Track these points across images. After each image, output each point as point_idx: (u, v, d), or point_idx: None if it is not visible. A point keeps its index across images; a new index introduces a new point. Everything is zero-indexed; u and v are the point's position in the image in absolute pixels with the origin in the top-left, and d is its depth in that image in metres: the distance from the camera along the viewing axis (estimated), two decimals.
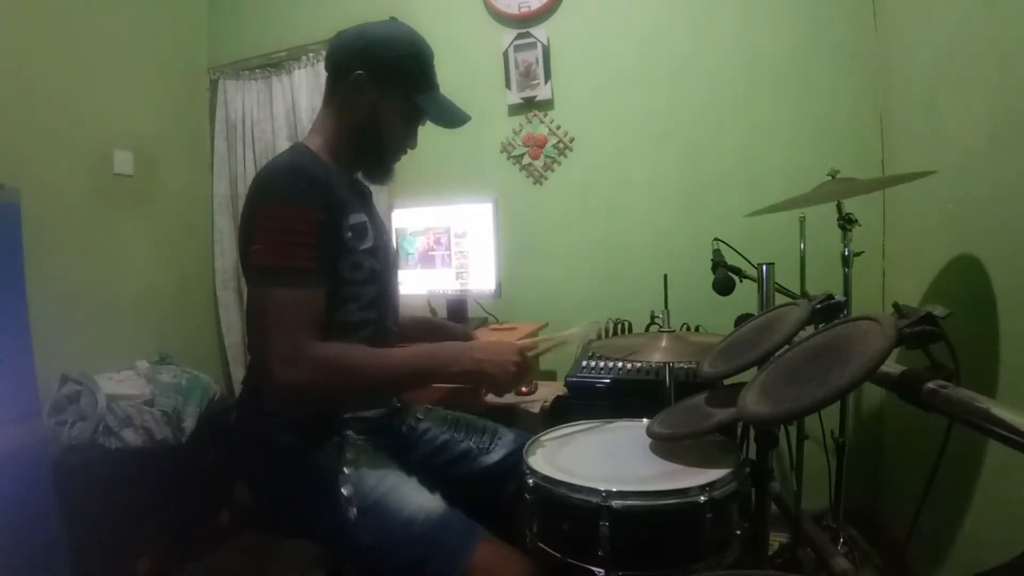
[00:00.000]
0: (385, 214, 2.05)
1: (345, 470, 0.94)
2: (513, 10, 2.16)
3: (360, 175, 1.14)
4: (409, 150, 1.13)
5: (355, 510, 0.91)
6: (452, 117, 1.08)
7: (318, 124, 1.09)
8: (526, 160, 2.21)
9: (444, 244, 2.01)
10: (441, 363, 0.97)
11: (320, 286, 0.94)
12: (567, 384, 1.56)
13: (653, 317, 1.82)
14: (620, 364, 1.56)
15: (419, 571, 0.87)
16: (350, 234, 1.00)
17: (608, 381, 1.52)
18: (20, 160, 1.81)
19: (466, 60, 2.18)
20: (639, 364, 1.55)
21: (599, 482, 0.80)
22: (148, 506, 1.75)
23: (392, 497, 0.93)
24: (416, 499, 0.93)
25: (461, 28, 2.23)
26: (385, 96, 1.04)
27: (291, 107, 2.41)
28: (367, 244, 1.03)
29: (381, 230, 1.11)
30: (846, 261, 1.44)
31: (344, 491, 0.92)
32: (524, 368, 0.98)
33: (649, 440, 0.96)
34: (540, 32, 2.13)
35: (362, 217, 1.03)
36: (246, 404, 1.06)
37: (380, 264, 1.06)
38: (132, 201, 2.22)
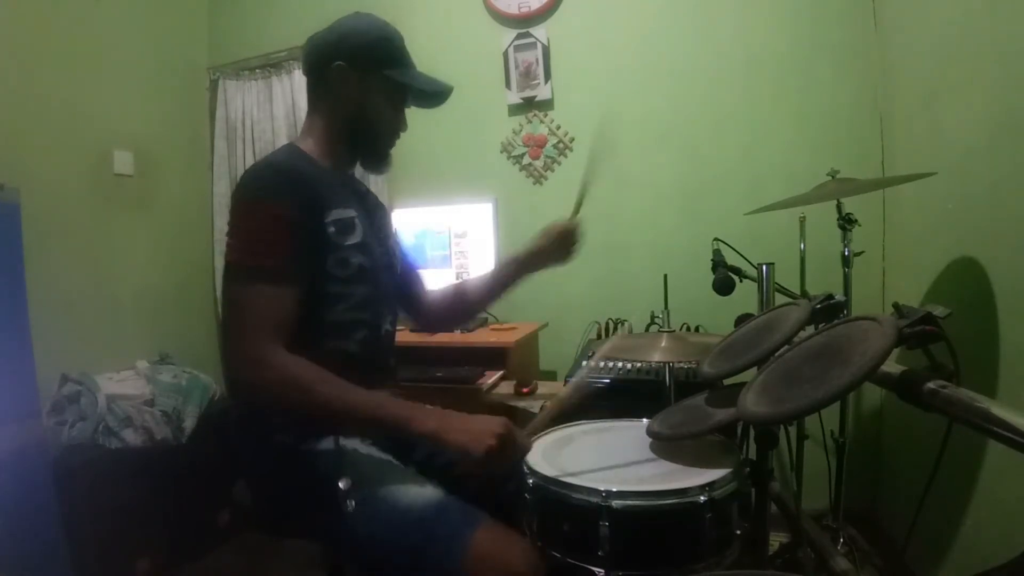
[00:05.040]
0: None
1: (342, 464, 0.94)
2: (513, 10, 2.15)
3: (360, 167, 1.15)
4: (402, 134, 1.14)
5: (353, 502, 0.91)
6: (435, 89, 1.10)
7: (307, 127, 1.09)
8: (526, 160, 2.20)
9: (444, 244, 2.01)
10: (404, 418, 0.88)
11: (289, 285, 0.92)
12: (567, 384, 1.56)
13: (653, 317, 1.82)
14: (620, 364, 1.56)
15: (419, 557, 0.86)
16: (333, 229, 0.99)
17: (608, 381, 1.52)
18: (20, 160, 1.81)
19: (466, 60, 2.18)
20: (639, 364, 1.55)
21: (599, 482, 0.80)
22: (148, 506, 1.75)
23: (390, 487, 0.92)
24: (414, 487, 0.93)
25: (461, 28, 2.23)
26: (368, 81, 1.05)
27: (291, 107, 2.41)
28: (353, 240, 1.01)
29: (376, 228, 1.10)
30: (846, 261, 1.44)
31: (341, 484, 0.92)
32: (507, 446, 0.85)
33: (649, 440, 0.96)
34: (540, 32, 2.13)
35: (350, 213, 1.02)
36: (246, 404, 1.05)
37: (370, 261, 1.05)
38: (132, 201, 2.22)
